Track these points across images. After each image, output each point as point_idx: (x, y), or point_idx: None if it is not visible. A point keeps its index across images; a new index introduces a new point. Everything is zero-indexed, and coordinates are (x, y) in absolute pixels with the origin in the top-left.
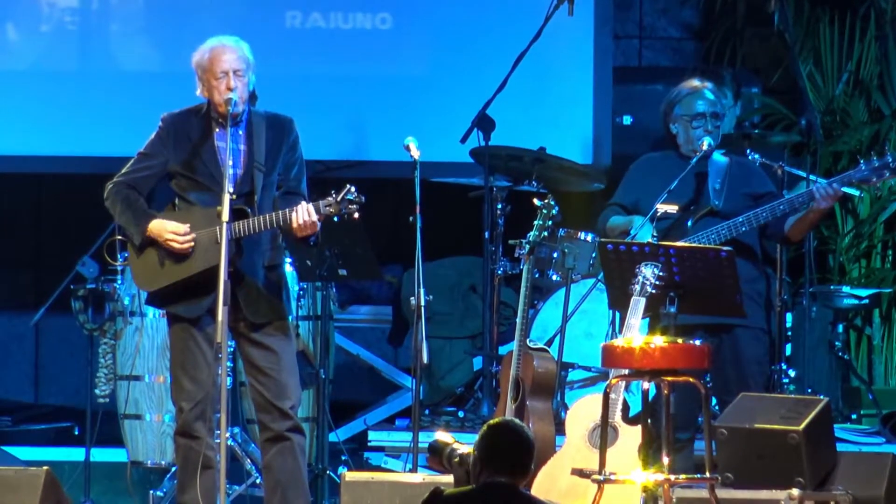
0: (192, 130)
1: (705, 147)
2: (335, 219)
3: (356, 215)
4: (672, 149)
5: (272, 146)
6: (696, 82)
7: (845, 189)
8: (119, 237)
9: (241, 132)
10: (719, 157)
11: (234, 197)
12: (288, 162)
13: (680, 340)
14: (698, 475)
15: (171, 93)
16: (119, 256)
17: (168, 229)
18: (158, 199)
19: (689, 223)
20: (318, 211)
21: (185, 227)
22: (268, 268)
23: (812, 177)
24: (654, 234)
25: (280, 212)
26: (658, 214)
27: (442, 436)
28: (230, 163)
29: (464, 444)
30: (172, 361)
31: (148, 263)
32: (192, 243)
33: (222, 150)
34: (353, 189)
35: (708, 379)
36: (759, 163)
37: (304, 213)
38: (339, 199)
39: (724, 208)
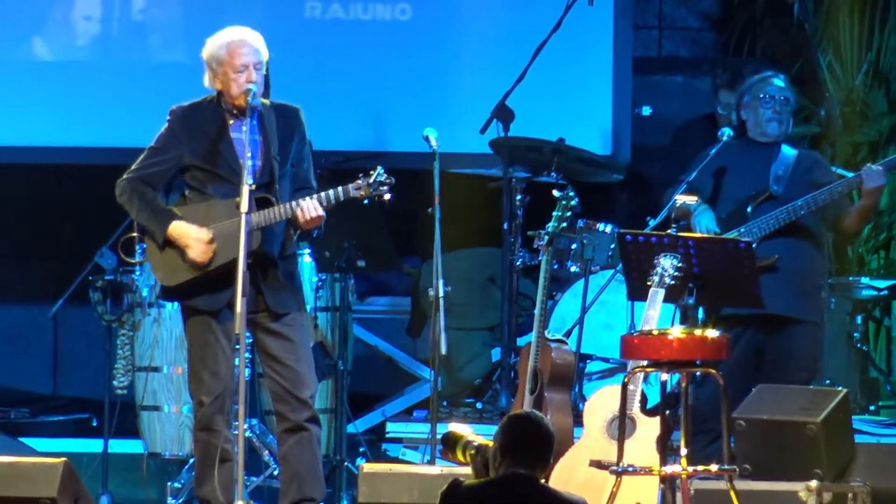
0: (206, 123)
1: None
2: (365, 201)
3: (387, 197)
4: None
5: (284, 136)
6: (766, 73)
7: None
8: (135, 234)
9: (254, 123)
10: (788, 150)
11: (254, 188)
12: (299, 153)
13: (698, 331)
14: (716, 466)
15: (192, 83)
16: (137, 252)
17: (192, 236)
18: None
19: (749, 209)
20: (347, 194)
21: (209, 236)
22: (285, 258)
23: (838, 170)
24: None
25: (287, 203)
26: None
27: (456, 427)
28: (249, 154)
29: (479, 436)
30: (191, 355)
31: (169, 258)
32: (212, 254)
33: (238, 141)
34: (381, 171)
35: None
36: None
37: (310, 210)
38: (370, 181)
39: (783, 194)
